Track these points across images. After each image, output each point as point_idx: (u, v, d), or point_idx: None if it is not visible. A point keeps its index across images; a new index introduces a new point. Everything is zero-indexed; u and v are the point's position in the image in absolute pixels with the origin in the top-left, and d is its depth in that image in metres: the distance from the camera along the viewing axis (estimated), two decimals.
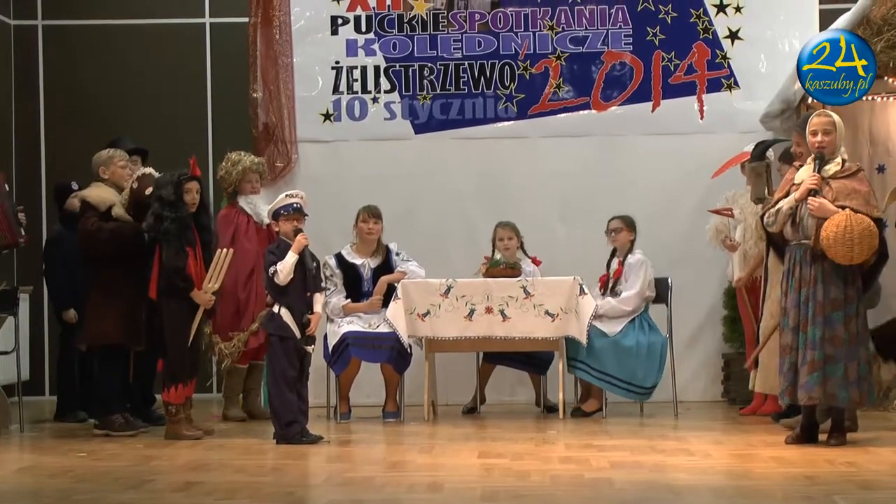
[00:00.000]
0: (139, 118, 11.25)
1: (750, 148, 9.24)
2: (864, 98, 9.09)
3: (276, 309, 8.01)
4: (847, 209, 7.41)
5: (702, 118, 10.59)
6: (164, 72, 11.49)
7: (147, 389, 9.30)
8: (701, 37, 10.60)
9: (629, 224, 9.63)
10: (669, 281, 9.57)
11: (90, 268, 8.79)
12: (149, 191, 8.52)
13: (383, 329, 9.28)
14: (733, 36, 10.60)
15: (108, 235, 8.59)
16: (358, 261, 9.60)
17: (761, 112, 10.14)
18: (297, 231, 8.01)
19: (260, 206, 9.57)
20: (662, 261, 9.84)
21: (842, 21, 9.38)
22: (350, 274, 9.58)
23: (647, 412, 9.58)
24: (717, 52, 10.60)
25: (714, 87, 10.59)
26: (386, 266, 9.63)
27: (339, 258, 9.59)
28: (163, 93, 11.46)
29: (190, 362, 8.46)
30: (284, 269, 7.90)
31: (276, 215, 8.13)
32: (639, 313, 9.48)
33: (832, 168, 7.58)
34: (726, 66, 10.59)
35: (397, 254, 9.68)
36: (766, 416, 8.99)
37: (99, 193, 8.79)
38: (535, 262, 9.86)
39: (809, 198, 7.49)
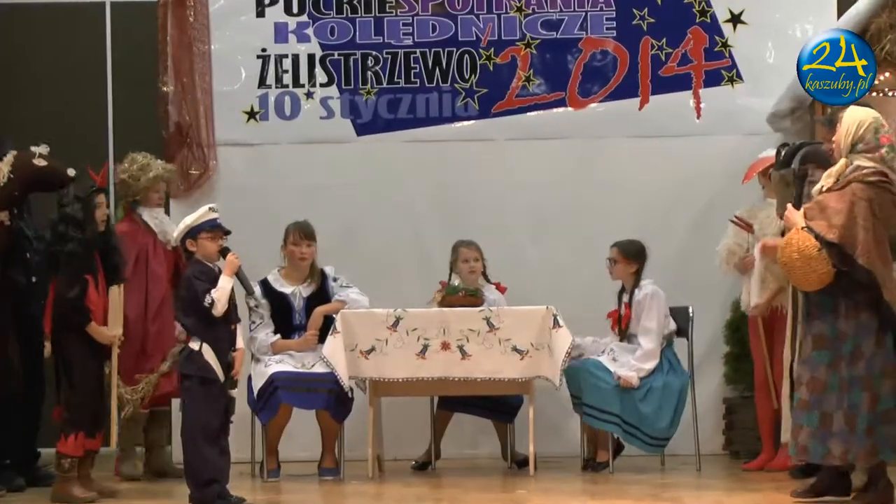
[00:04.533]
0: (24, 116, 11.11)
1: (772, 152, 9.20)
2: None
3: (195, 346, 7.86)
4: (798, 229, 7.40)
5: (699, 117, 10.63)
6: (55, 61, 11.39)
7: (30, 443, 9.15)
8: (697, 21, 10.64)
9: (628, 253, 9.53)
10: (690, 311, 9.55)
11: None
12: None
13: (319, 369, 9.23)
14: (735, 20, 10.63)
15: None
16: (288, 289, 9.58)
17: (768, 110, 10.18)
18: (226, 251, 7.94)
19: (167, 222, 9.52)
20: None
21: (862, 3, 9.43)
22: (279, 304, 9.54)
23: (639, 465, 9.57)
24: (717, 38, 10.64)
25: (713, 80, 10.62)
26: (321, 294, 9.60)
27: (266, 285, 9.53)
28: (54, 86, 11.37)
29: (96, 410, 8.38)
30: (223, 297, 7.80)
31: (194, 233, 7.97)
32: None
33: (829, 183, 7.53)
34: (727, 55, 10.64)
35: (335, 279, 9.65)
36: (777, 471, 8.98)
37: None
38: (500, 288, 9.87)
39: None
